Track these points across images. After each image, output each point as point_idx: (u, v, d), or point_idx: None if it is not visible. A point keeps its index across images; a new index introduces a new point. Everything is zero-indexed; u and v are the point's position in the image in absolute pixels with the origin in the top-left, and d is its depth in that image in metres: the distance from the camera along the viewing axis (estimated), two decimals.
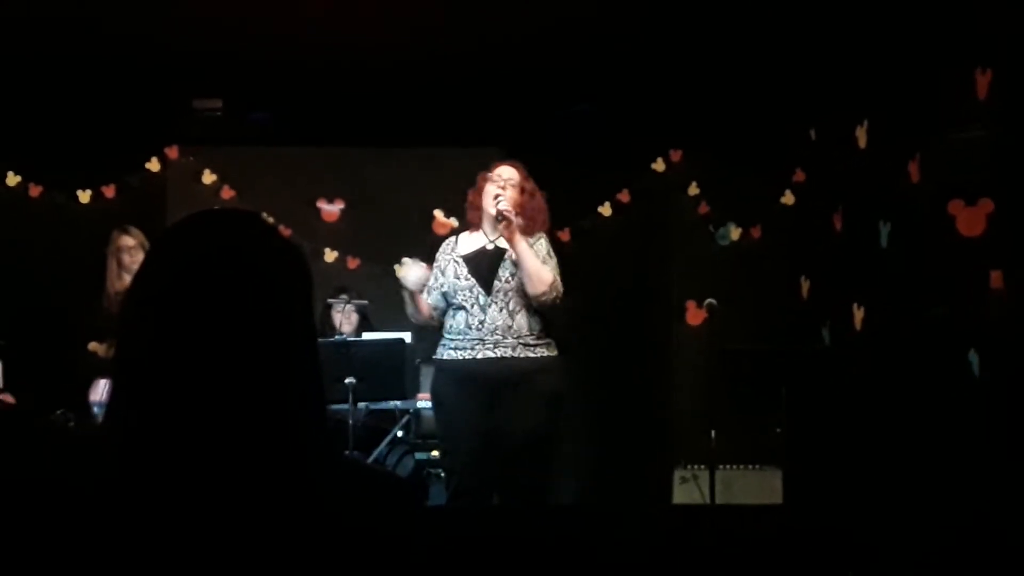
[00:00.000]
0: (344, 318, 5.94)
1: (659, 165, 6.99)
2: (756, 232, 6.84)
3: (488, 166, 4.47)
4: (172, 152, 6.98)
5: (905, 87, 5.12)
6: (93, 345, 5.32)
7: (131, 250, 5.46)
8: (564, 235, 6.87)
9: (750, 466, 5.97)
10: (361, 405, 5.31)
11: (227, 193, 6.94)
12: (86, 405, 5.31)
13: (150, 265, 1.26)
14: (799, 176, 6.63)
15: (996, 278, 4.44)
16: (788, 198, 6.70)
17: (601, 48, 6.15)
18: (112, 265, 5.51)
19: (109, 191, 6.87)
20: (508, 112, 6.73)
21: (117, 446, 1.18)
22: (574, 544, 4.03)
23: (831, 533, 4.32)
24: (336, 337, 5.57)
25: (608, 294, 6.89)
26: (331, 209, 7.11)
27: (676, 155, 6.99)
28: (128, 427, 1.18)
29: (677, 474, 6.08)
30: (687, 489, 6.00)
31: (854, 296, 5.69)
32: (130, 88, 6.51)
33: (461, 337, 4.26)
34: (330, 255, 6.94)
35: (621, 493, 6.48)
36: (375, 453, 5.44)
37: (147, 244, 5.45)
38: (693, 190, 6.92)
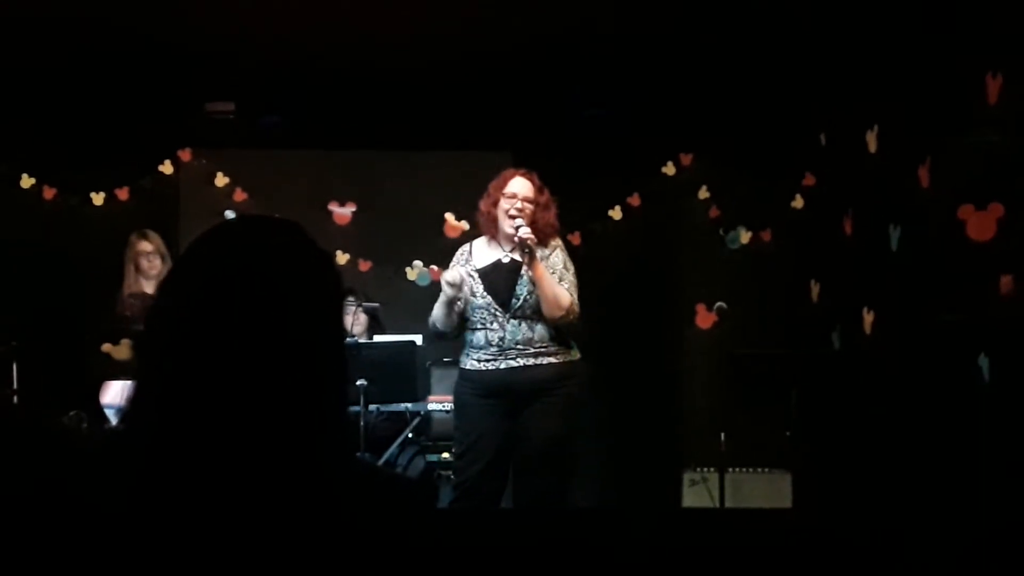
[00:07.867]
0: (354, 320, 5.96)
1: (669, 169, 6.99)
2: (766, 236, 6.84)
3: (499, 173, 4.38)
4: (185, 155, 7.00)
5: (915, 91, 5.11)
6: (106, 347, 5.34)
7: (149, 255, 5.51)
8: (575, 238, 6.88)
9: (760, 469, 5.96)
10: (372, 407, 5.34)
11: (239, 196, 6.95)
12: (99, 407, 5.33)
13: (180, 271, 1.27)
14: (809, 180, 6.63)
15: (1006, 283, 4.43)
16: (798, 202, 6.69)
17: (612, 52, 6.16)
18: (130, 269, 5.56)
19: (122, 193, 6.89)
20: (519, 115, 6.74)
21: (140, 448, 1.19)
22: (583, 547, 4.04)
23: (841, 537, 4.32)
24: (347, 339, 5.59)
25: (618, 297, 6.88)
26: (343, 212, 7.11)
27: (686, 159, 6.99)
28: (151, 430, 1.20)
29: (687, 477, 6.08)
30: (697, 492, 6.00)
31: (864, 300, 5.68)
32: (143, 91, 6.54)
33: (482, 351, 4.26)
34: (342, 258, 6.94)
35: (630, 495, 6.48)
36: (386, 455, 5.45)
37: (164, 249, 5.53)
38: (703, 194, 6.93)
